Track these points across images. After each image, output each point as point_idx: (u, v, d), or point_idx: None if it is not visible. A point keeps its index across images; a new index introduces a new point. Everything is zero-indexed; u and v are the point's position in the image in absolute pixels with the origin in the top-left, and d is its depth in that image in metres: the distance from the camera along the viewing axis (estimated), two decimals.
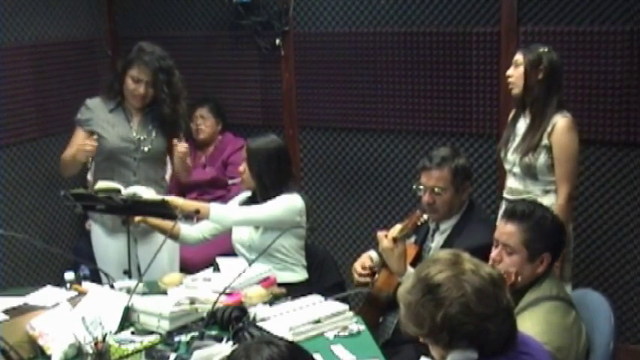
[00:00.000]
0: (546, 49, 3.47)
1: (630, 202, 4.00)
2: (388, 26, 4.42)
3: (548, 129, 3.40)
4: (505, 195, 3.61)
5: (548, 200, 3.40)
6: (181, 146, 3.61)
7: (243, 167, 3.43)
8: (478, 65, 4.21)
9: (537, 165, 3.43)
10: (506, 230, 2.58)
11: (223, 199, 4.38)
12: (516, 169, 3.51)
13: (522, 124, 3.53)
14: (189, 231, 3.49)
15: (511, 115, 3.66)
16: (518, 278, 2.52)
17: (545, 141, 3.41)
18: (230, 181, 4.69)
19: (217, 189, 4.69)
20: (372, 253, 3.41)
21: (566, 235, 2.75)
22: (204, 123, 4.79)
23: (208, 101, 4.83)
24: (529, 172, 3.47)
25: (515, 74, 3.50)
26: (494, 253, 2.59)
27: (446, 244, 3.13)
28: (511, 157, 3.54)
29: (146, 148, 3.62)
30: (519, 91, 3.50)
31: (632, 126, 3.90)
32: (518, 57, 3.51)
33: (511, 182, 3.58)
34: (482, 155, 4.30)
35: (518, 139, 3.52)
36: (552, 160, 3.41)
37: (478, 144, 4.30)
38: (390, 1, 4.40)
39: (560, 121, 3.40)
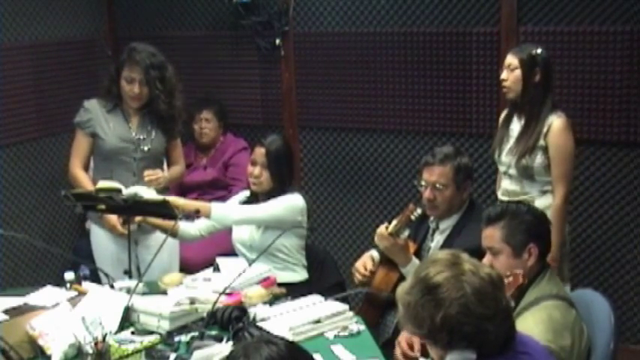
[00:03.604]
0: (539, 51, 3.40)
1: (630, 202, 4.00)
2: (388, 26, 4.42)
3: (544, 130, 3.36)
4: (500, 197, 3.55)
5: (545, 201, 3.39)
6: (147, 175, 3.53)
7: (259, 171, 3.34)
8: (478, 65, 4.21)
9: (534, 166, 3.39)
10: (486, 234, 2.63)
11: (224, 199, 4.37)
12: (512, 171, 3.47)
13: (516, 126, 3.47)
14: (187, 228, 3.48)
15: (503, 116, 3.61)
16: (526, 280, 2.51)
17: (541, 142, 3.37)
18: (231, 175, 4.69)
19: (218, 189, 4.68)
20: (374, 253, 3.41)
21: (548, 222, 2.72)
22: (208, 126, 4.75)
23: (212, 103, 4.78)
24: (526, 174, 3.43)
25: (511, 78, 3.42)
26: (484, 260, 2.59)
27: (445, 244, 3.14)
28: (506, 159, 3.49)
29: (146, 148, 3.62)
30: (515, 95, 3.43)
31: (632, 126, 3.90)
32: (512, 60, 3.42)
33: (506, 184, 3.53)
34: (482, 155, 4.29)
35: (512, 140, 3.47)
36: (549, 161, 3.37)
37: (478, 144, 4.30)
38: (390, 1, 4.40)
39: (556, 122, 3.36)
